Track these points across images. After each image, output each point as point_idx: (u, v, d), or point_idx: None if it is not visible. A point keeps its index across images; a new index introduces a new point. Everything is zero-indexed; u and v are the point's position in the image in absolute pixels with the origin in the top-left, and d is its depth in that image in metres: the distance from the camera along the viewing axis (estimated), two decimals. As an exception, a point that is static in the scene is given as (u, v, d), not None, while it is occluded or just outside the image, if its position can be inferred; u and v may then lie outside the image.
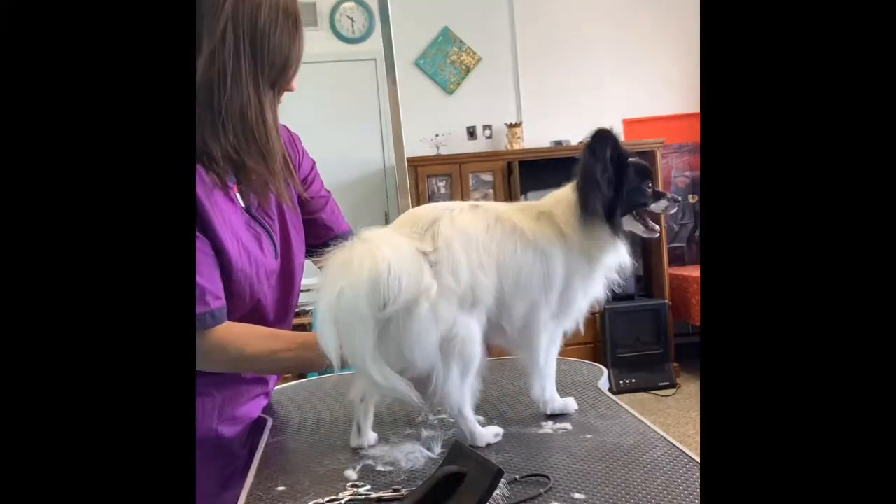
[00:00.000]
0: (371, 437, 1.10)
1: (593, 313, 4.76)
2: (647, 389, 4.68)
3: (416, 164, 4.66)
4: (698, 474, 0.89)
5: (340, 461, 1.04)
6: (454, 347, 1.01)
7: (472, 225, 1.07)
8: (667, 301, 4.87)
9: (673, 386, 4.70)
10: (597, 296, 1.16)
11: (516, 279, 1.08)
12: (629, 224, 1.14)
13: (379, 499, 0.88)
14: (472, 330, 1.03)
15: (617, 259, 1.13)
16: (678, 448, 0.99)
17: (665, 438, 1.03)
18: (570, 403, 1.18)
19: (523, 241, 1.09)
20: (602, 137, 1.09)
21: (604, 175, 1.09)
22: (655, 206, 1.15)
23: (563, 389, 1.29)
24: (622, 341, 4.78)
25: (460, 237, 1.04)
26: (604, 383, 1.30)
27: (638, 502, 0.84)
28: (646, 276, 5.08)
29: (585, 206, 1.09)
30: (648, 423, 1.10)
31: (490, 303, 1.05)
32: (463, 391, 1.04)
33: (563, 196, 1.14)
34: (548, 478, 0.91)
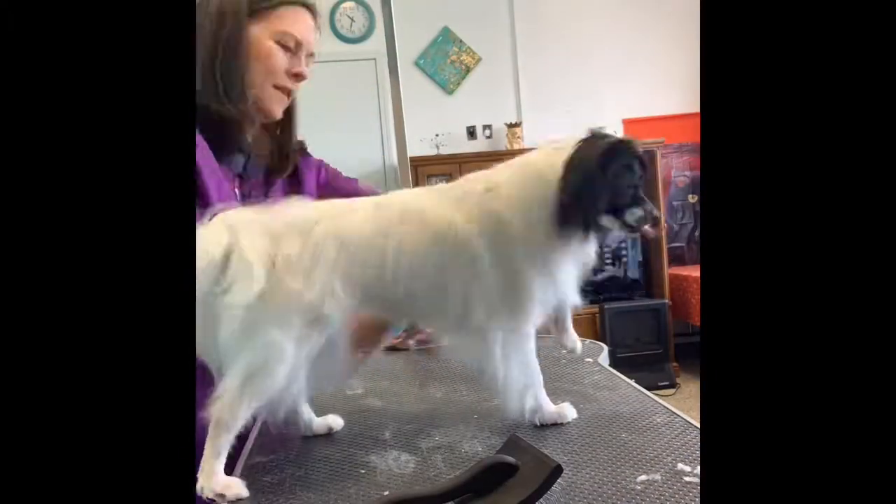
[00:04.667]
0: (324, 422, 1.05)
1: (592, 313, 4.76)
2: (647, 389, 4.65)
3: (416, 163, 4.66)
4: (698, 437, 0.89)
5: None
6: (251, 348, 0.87)
7: (358, 229, 0.93)
8: (667, 301, 4.86)
9: (673, 386, 4.69)
10: (571, 275, 0.97)
11: (431, 282, 0.93)
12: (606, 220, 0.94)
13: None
14: (284, 345, 0.87)
15: (579, 254, 0.96)
16: (678, 415, 0.98)
17: (664, 406, 1.02)
18: (567, 411, 0.99)
19: (435, 237, 0.93)
20: (621, 152, 0.91)
21: (604, 195, 0.91)
22: (629, 215, 0.94)
23: (564, 365, 1.28)
24: (622, 341, 4.77)
25: (333, 243, 0.91)
26: (604, 358, 1.30)
27: (636, 462, 0.84)
28: (646, 276, 5.08)
29: (566, 222, 0.90)
30: (648, 392, 1.10)
31: (337, 320, 0.91)
32: (236, 408, 0.86)
33: (514, 171, 0.96)
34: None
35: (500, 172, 0.98)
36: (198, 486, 0.84)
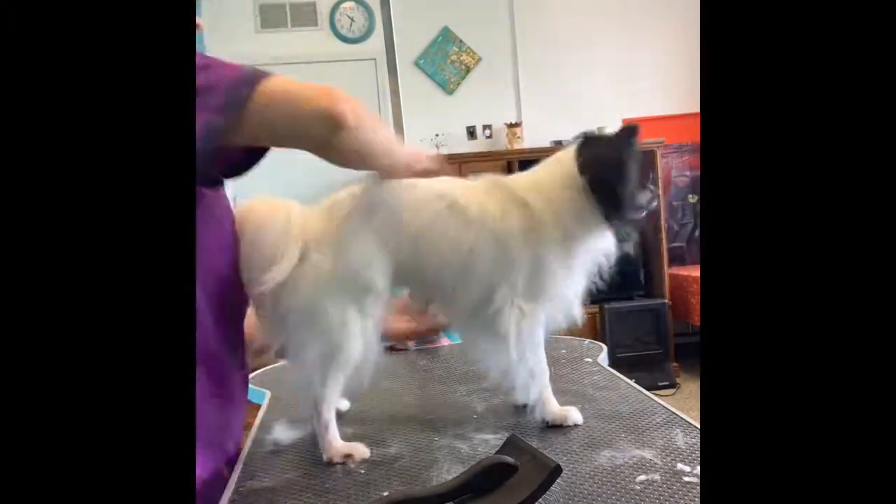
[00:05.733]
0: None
1: (592, 313, 4.75)
2: (647, 389, 4.63)
3: (415, 163, 4.66)
4: (698, 437, 0.89)
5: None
6: (319, 332, 0.93)
7: (389, 201, 0.97)
8: (667, 301, 4.86)
9: (673, 386, 4.69)
10: (581, 281, 1.01)
11: (460, 262, 0.97)
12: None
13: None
14: (349, 320, 0.94)
15: (604, 243, 1.01)
16: (678, 415, 0.98)
17: (664, 406, 1.02)
18: (572, 414, 1.00)
19: (463, 220, 0.97)
20: (634, 132, 0.97)
21: (633, 171, 0.97)
22: (641, 196, 1.01)
23: (563, 365, 1.28)
24: (622, 341, 4.77)
25: (362, 215, 0.96)
26: (603, 358, 1.30)
27: (636, 462, 0.84)
28: (646, 276, 5.07)
29: (614, 204, 0.95)
30: (648, 392, 1.10)
31: (381, 289, 0.96)
32: (324, 386, 0.95)
33: (546, 173, 1.01)
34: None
35: (520, 175, 1.04)
36: (325, 458, 0.94)
